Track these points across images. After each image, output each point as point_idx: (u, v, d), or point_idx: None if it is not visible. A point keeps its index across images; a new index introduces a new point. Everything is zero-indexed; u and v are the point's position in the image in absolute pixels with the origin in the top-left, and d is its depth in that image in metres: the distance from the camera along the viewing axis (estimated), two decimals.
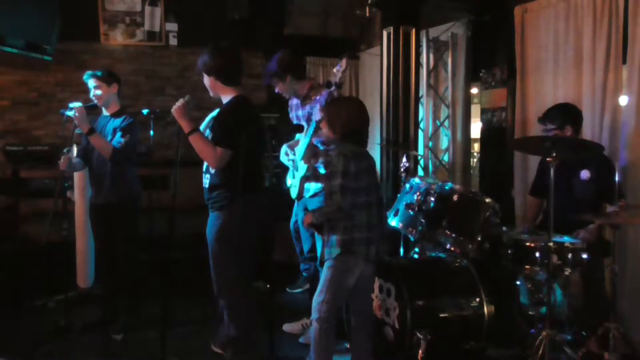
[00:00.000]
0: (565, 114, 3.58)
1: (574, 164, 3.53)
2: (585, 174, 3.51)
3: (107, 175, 3.82)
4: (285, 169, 4.11)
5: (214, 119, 3.26)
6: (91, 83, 3.85)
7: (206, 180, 3.26)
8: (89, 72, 3.90)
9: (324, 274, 2.93)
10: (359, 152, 2.94)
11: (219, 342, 3.53)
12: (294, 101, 3.98)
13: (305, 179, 3.75)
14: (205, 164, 3.27)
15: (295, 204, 4.12)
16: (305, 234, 4.02)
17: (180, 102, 3.14)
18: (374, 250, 2.94)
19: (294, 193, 3.91)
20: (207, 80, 3.26)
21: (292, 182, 3.95)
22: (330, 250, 2.91)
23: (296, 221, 4.19)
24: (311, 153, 3.70)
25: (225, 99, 3.28)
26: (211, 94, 3.31)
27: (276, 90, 3.93)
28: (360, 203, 2.87)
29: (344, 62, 3.51)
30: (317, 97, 3.68)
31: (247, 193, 3.13)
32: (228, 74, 3.26)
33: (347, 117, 2.93)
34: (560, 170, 3.41)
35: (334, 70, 3.54)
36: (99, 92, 3.84)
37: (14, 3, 5.19)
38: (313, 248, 3.96)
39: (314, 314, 2.90)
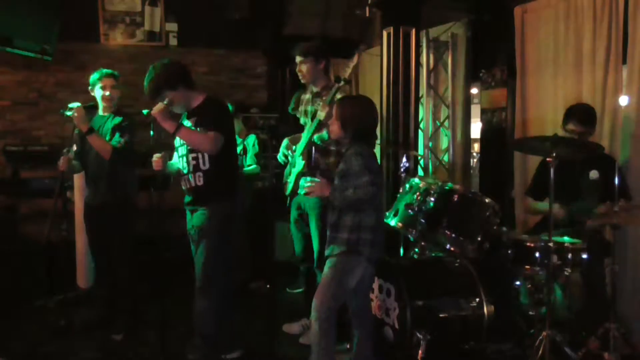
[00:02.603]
0: (595, 118, 3.59)
1: (580, 164, 3.54)
2: (594, 173, 3.52)
3: (104, 176, 3.82)
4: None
5: (198, 114, 3.28)
6: (107, 82, 3.85)
7: (199, 178, 3.27)
8: (106, 70, 3.91)
9: (325, 273, 2.92)
10: (372, 152, 2.92)
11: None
12: (307, 95, 3.94)
13: (301, 175, 3.74)
14: (189, 166, 3.29)
15: (288, 201, 4.08)
16: (297, 235, 4.00)
17: (160, 105, 3.17)
18: (377, 252, 2.93)
19: (288, 189, 3.90)
20: (172, 95, 3.24)
21: (288, 178, 3.93)
22: (333, 247, 2.90)
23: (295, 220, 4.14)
24: (310, 150, 3.70)
25: (197, 99, 3.33)
26: (179, 109, 3.32)
27: (297, 69, 3.81)
28: (374, 204, 2.86)
29: (355, 57, 3.49)
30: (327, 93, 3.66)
31: (235, 187, 3.30)
32: (189, 78, 3.32)
33: (361, 117, 2.90)
34: (566, 171, 3.42)
35: (347, 66, 3.53)
36: (115, 92, 3.87)
37: (17, 4, 5.20)
38: (305, 249, 3.96)
39: (314, 314, 2.88)
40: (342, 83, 3.51)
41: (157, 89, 3.25)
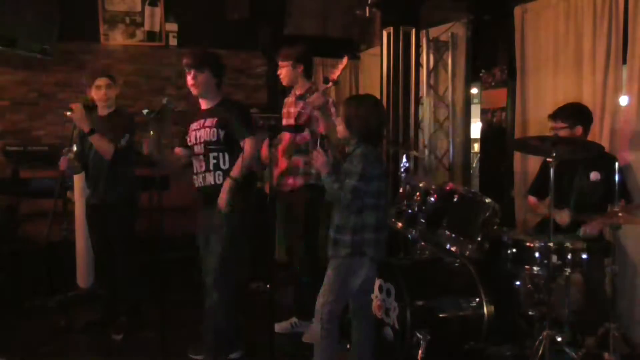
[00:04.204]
0: (578, 114, 3.58)
1: (581, 165, 3.54)
2: (595, 175, 3.52)
3: (104, 176, 3.82)
4: None
5: (233, 116, 3.30)
6: (103, 82, 3.85)
7: (219, 177, 3.31)
8: (102, 70, 3.93)
9: (329, 274, 2.91)
10: (377, 155, 2.91)
11: (195, 348, 3.52)
12: (289, 99, 4.01)
13: (284, 174, 3.80)
14: (208, 165, 3.30)
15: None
16: (281, 235, 4.05)
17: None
18: (381, 252, 2.92)
19: (267, 188, 3.92)
20: (209, 78, 3.31)
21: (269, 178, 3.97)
22: (338, 249, 2.89)
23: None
24: (292, 149, 3.74)
25: (215, 99, 3.38)
26: (199, 91, 3.34)
27: (278, 72, 3.93)
28: (369, 205, 2.85)
29: (345, 59, 3.51)
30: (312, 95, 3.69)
31: (249, 186, 3.35)
32: (222, 81, 3.41)
33: (365, 117, 2.87)
34: (567, 172, 3.42)
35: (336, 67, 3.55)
36: (111, 92, 3.87)
37: (18, 5, 5.21)
38: (290, 249, 3.98)
39: (318, 315, 2.88)
40: (329, 84, 3.52)
41: (207, 60, 3.32)
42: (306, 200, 3.78)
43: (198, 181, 3.39)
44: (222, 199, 3.23)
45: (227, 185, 3.24)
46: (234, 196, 3.24)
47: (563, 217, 3.48)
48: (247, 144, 3.26)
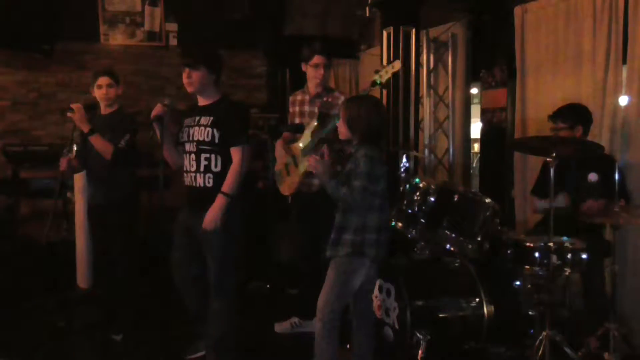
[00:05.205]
0: (579, 114, 3.58)
1: (580, 166, 3.54)
2: (593, 176, 3.52)
3: (104, 176, 3.81)
4: None
5: (230, 118, 3.20)
6: (103, 81, 3.83)
7: (209, 180, 3.20)
8: (105, 69, 3.90)
9: (329, 274, 2.91)
10: (379, 155, 2.90)
11: (192, 350, 3.52)
12: (298, 97, 3.96)
13: (308, 174, 3.72)
14: (199, 165, 3.23)
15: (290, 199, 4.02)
16: (301, 234, 4.00)
17: (158, 107, 3.14)
18: (382, 252, 2.92)
19: (287, 190, 3.88)
20: (206, 76, 3.20)
21: (284, 178, 3.90)
22: (337, 248, 2.89)
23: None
24: (318, 149, 3.68)
25: (213, 97, 3.27)
26: (194, 89, 3.23)
27: (317, 70, 3.76)
28: (374, 205, 2.85)
29: (397, 63, 3.43)
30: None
31: (240, 189, 3.19)
32: (220, 77, 3.32)
33: (367, 118, 2.87)
34: (566, 172, 3.42)
35: (384, 70, 3.46)
36: (112, 91, 3.85)
37: (19, 5, 5.23)
38: (308, 249, 3.96)
39: (319, 315, 2.89)
40: (375, 87, 3.45)
41: (202, 58, 3.20)
42: (329, 204, 3.72)
43: (187, 180, 3.27)
44: (211, 217, 3.09)
45: (219, 202, 3.08)
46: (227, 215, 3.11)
47: (560, 200, 3.46)
48: (236, 154, 3.13)
